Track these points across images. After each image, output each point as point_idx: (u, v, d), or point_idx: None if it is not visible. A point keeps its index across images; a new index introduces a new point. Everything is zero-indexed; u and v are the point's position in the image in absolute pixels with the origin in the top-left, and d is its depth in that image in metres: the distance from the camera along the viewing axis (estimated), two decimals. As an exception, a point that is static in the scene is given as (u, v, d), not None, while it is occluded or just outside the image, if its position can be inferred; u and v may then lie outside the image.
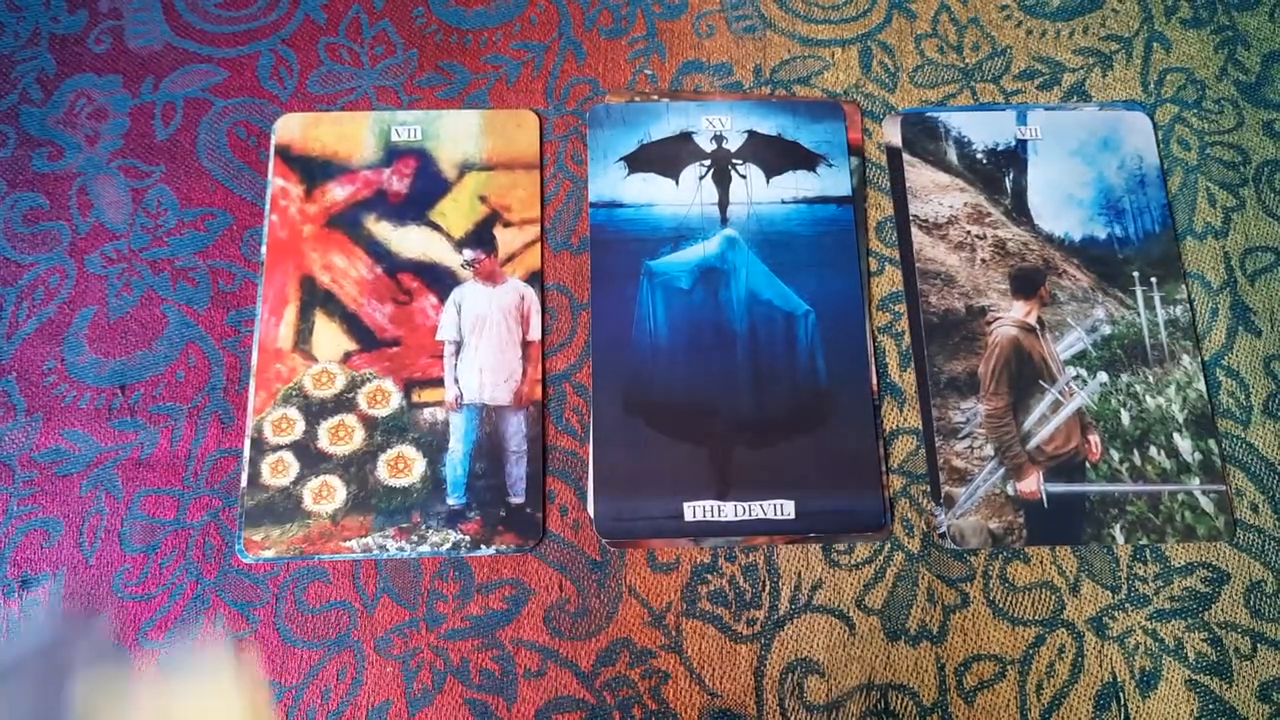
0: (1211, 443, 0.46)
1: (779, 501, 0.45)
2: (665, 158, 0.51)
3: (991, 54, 0.54)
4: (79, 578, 0.45)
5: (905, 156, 0.51)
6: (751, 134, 0.52)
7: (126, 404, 0.47)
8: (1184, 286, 0.49)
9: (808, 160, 0.51)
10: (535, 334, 0.48)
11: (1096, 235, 0.49)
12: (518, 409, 0.47)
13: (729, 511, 0.45)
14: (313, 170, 0.51)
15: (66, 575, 0.45)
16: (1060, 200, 0.50)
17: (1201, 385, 0.47)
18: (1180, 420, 0.46)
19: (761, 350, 0.48)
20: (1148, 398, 0.47)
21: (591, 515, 0.45)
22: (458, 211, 0.50)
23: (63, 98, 0.53)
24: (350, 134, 0.52)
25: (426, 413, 0.47)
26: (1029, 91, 0.53)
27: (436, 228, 0.50)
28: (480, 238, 0.50)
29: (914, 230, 0.50)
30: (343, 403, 0.47)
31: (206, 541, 0.45)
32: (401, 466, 0.46)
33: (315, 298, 0.48)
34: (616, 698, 0.43)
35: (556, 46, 0.54)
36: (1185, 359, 0.47)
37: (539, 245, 0.50)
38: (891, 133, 0.52)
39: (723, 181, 0.51)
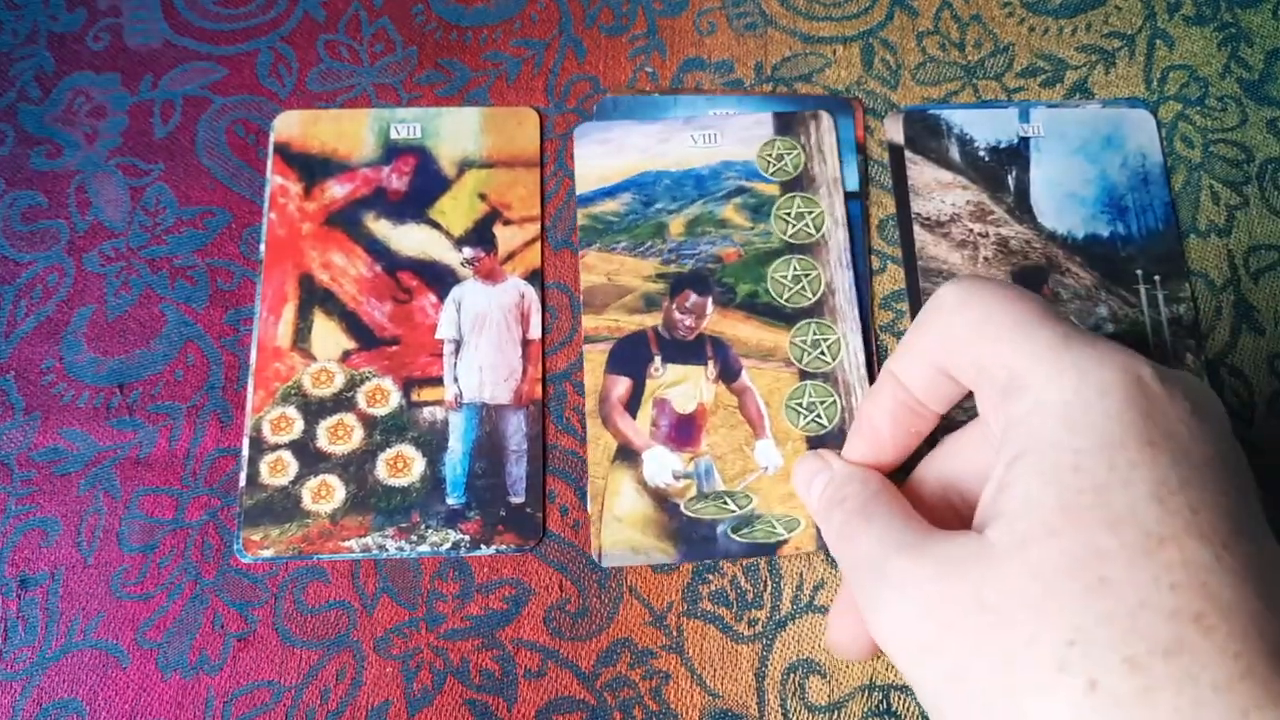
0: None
1: None
2: None
3: (994, 51, 0.53)
4: (77, 577, 0.44)
5: (907, 154, 0.51)
6: None
7: (125, 403, 0.47)
8: (1188, 285, 0.48)
9: None
10: (535, 332, 0.48)
11: (1099, 233, 0.49)
12: (518, 408, 0.47)
13: None
14: (312, 168, 0.51)
15: (65, 574, 0.44)
16: (1063, 198, 0.50)
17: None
18: (1184, 419, 0.46)
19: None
20: (1151, 397, 0.46)
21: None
22: (457, 209, 0.50)
23: (61, 95, 0.53)
24: (349, 131, 0.51)
25: (426, 412, 0.47)
26: (1031, 89, 0.52)
27: (436, 226, 0.50)
28: (480, 236, 0.50)
29: (916, 228, 0.49)
30: (342, 402, 0.47)
31: (205, 541, 0.45)
32: (401, 466, 0.46)
33: (314, 296, 0.48)
34: (617, 698, 0.43)
35: (557, 44, 0.54)
36: (1189, 358, 0.47)
37: (539, 243, 0.50)
38: (893, 130, 0.52)
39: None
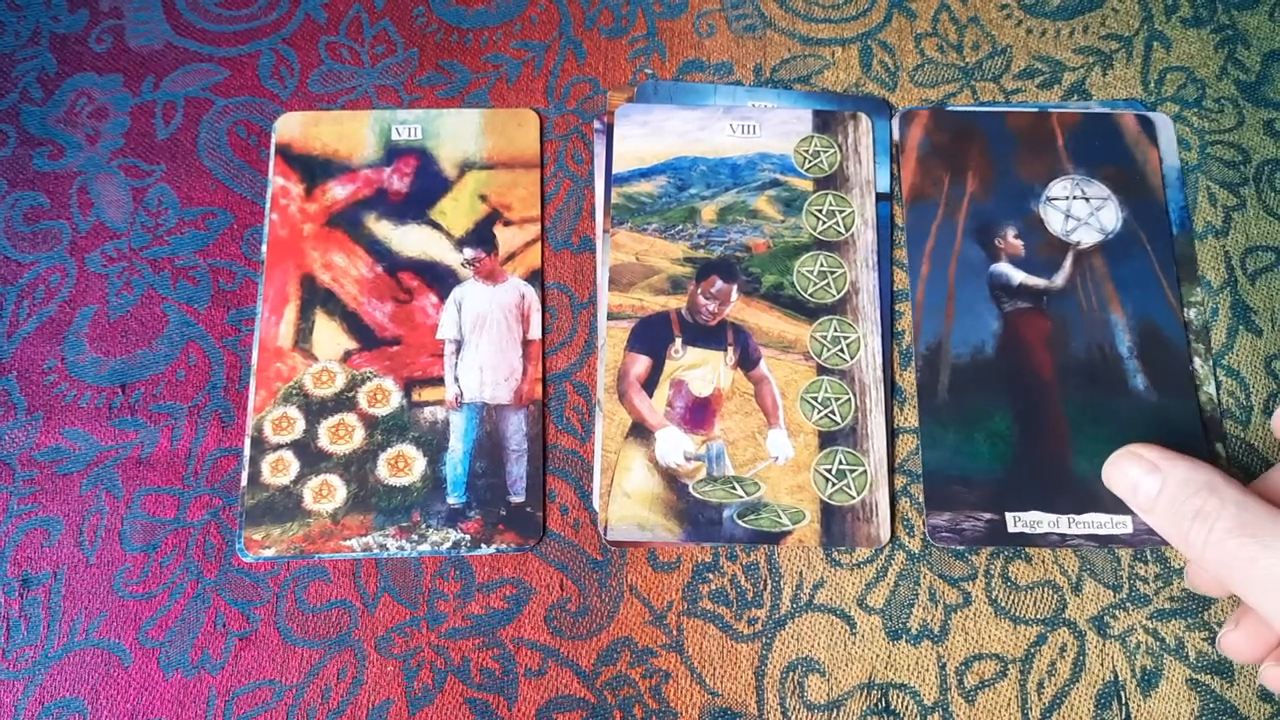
0: (1220, 446, 0.46)
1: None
2: None
3: (991, 53, 0.54)
4: (80, 576, 0.45)
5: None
6: None
7: (127, 403, 0.47)
8: (1199, 290, 0.48)
9: None
10: (536, 333, 0.48)
11: (1099, 234, 0.49)
12: (518, 408, 0.47)
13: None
14: (313, 169, 0.51)
15: (67, 574, 0.45)
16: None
17: (1212, 389, 0.47)
18: (1182, 419, 0.46)
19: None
20: (1149, 396, 0.46)
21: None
22: (458, 210, 0.50)
23: (63, 97, 0.53)
24: (351, 133, 0.52)
25: (427, 411, 0.47)
26: (1029, 90, 0.53)
27: (437, 226, 0.50)
28: (480, 236, 0.50)
29: (915, 229, 0.50)
30: (343, 401, 0.47)
31: (207, 540, 0.45)
32: (402, 465, 0.46)
33: (315, 296, 0.48)
34: (617, 697, 0.43)
35: (557, 46, 0.54)
36: (1197, 361, 0.47)
37: (539, 244, 0.50)
38: (897, 131, 0.52)
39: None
